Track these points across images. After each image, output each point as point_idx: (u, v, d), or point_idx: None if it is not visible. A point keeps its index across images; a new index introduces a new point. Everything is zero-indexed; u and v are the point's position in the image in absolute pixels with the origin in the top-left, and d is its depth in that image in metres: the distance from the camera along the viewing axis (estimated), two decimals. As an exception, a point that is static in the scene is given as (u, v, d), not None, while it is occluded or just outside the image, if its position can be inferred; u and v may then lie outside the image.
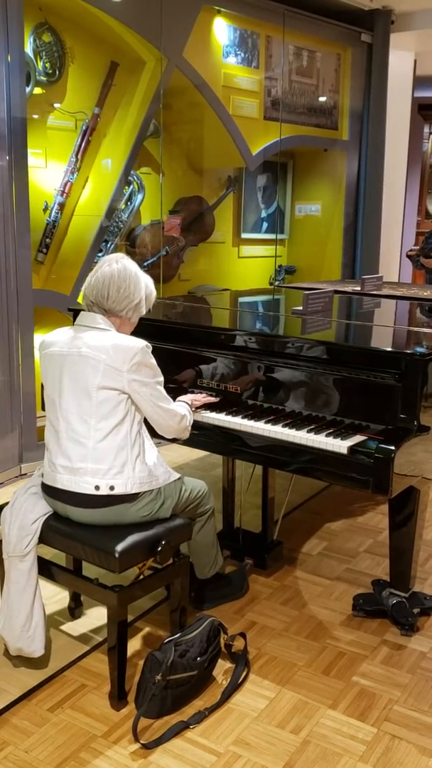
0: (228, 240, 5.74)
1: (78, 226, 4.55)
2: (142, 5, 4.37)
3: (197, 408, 2.68)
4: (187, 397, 2.66)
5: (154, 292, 2.43)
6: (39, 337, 4.17)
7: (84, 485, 2.23)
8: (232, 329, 2.91)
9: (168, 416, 2.35)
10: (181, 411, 2.41)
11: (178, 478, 2.43)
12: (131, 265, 2.35)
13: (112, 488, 2.22)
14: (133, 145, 4.58)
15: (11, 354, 4.00)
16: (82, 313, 2.35)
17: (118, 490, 2.23)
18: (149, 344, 2.27)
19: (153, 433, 2.43)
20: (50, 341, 2.35)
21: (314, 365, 2.52)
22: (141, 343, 2.24)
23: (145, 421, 2.36)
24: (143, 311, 2.40)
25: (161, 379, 2.32)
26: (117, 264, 2.32)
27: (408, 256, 6.79)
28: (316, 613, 2.78)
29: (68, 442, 2.25)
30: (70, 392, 2.25)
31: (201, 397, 2.73)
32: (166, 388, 2.35)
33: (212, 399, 2.74)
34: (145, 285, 2.37)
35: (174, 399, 2.59)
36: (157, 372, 2.30)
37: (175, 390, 2.79)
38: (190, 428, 2.49)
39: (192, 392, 2.80)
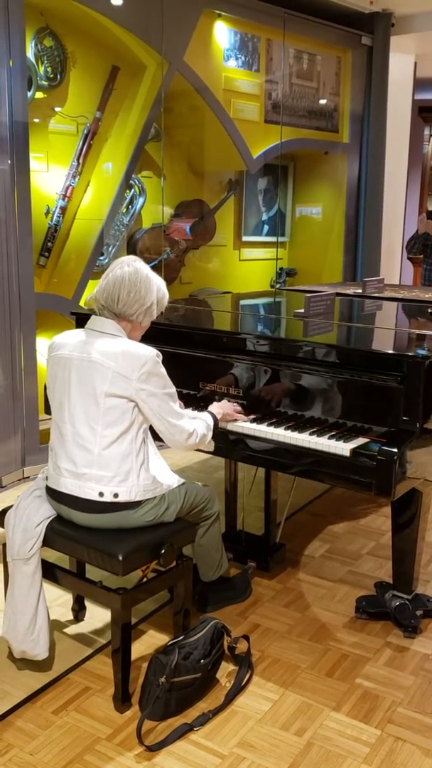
0: (229, 243, 5.74)
1: (80, 229, 4.56)
2: (143, 9, 4.39)
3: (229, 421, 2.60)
4: (219, 409, 2.55)
5: (167, 296, 2.38)
6: (41, 341, 4.18)
7: (88, 491, 2.23)
8: (234, 332, 2.92)
9: (175, 431, 2.30)
10: (189, 428, 2.33)
11: (182, 483, 2.43)
12: (143, 268, 2.30)
13: (116, 495, 2.22)
14: (134, 148, 4.59)
15: (14, 357, 4.01)
16: (92, 317, 2.32)
17: (122, 498, 2.23)
18: (160, 353, 2.24)
19: (156, 436, 2.42)
20: (60, 343, 2.34)
21: (316, 368, 2.53)
22: (152, 352, 2.21)
23: (151, 428, 2.36)
24: (155, 315, 2.36)
25: (172, 390, 2.28)
26: (129, 267, 2.28)
27: (409, 258, 6.78)
28: (319, 615, 2.78)
29: (74, 447, 2.25)
30: (79, 397, 2.24)
31: (232, 409, 2.62)
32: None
33: (244, 417, 2.63)
34: (157, 288, 2.32)
35: (206, 406, 2.57)
36: (168, 383, 2.26)
37: (177, 394, 2.79)
38: (204, 442, 2.41)
39: (227, 400, 2.70)
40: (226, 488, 3.20)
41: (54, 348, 2.35)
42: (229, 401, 2.70)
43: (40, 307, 4.18)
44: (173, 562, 2.35)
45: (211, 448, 2.50)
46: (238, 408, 2.66)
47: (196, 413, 2.50)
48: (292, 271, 6.21)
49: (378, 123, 5.99)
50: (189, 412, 2.52)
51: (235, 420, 2.61)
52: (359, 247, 6.23)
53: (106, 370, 2.19)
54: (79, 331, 2.35)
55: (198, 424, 2.39)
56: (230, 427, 2.60)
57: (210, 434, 2.44)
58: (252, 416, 2.64)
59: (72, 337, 2.32)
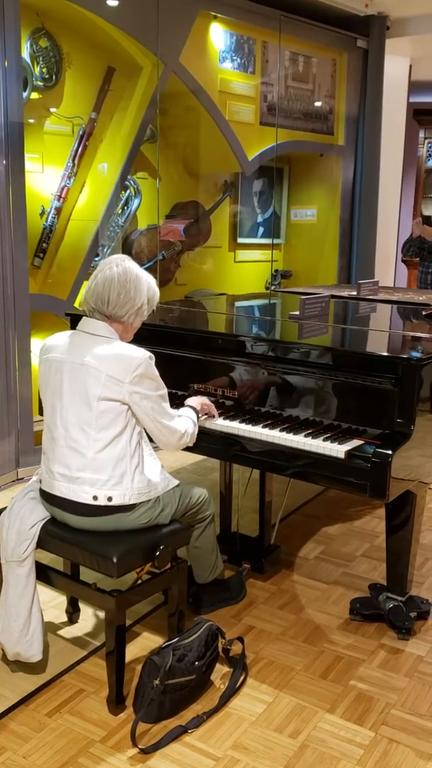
0: (224, 244, 5.75)
1: (75, 230, 4.56)
2: (139, 10, 4.39)
3: (205, 414, 2.63)
4: (197, 401, 2.58)
5: (158, 294, 2.36)
6: (36, 342, 4.17)
7: (82, 495, 2.22)
8: (229, 334, 2.92)
9: (168, 432, 2.31)
10: (181, 428, 2.35)
11: (177, 485, 2.43)
12: (133, 268, 2.27)
13: (110, 499, 2.21)
14: (129, 149, 4.59)
15: (8, 358, 4.00)
16: (83, 318, 2.30)
17: (116, 501, 2.22)
18: (152, 355, 2.23)
19: (150, 437, 2.42)
20: (51, 345, 2.32)
21: (311, 370, 2.53)
22: (144, 354, 2.20)
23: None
24: (146, 315, 2.34)
25: (164, 392, 2.28)
26: (117, 267, 2.25)
27: (404, 261, 6.79)
28: (313, 617, 2.78)
29: (67, 450, 2.24)
30: (71, 401, 2.22)
31: (210, 403, 2.65)
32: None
33: (215, 412, 2.66)
34: (147, 287, 2.29)
35: (183, 402, 2.58)
36: (160, 385, 2.26)
37: (171, 395, 2.79)
38: (194, 439, 2.44)
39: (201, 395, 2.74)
40: (220, 490, 3.20)
41: (45, 350, 2.33)
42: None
43: (35, 308, 4.17)
44: (168, 564, 2.34)
45: (193, 441, 2.48)
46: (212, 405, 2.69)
47: (179, 411, 2.49)
48: (287, 273, 6.22)
49: (373, 126, 6.01)
50: (173, 411, 2.49)
51: (211, 414, 2.64)
52: (354, 250, 6.24)
53: (99, 373, 2.17)
54: (70, 333, 2.33)
55: (186, 422, 2.41)
56: (225, 428, 2.60)
57: (196, 429, 2.46)
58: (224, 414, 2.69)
59: (63, 339, 2.30)
